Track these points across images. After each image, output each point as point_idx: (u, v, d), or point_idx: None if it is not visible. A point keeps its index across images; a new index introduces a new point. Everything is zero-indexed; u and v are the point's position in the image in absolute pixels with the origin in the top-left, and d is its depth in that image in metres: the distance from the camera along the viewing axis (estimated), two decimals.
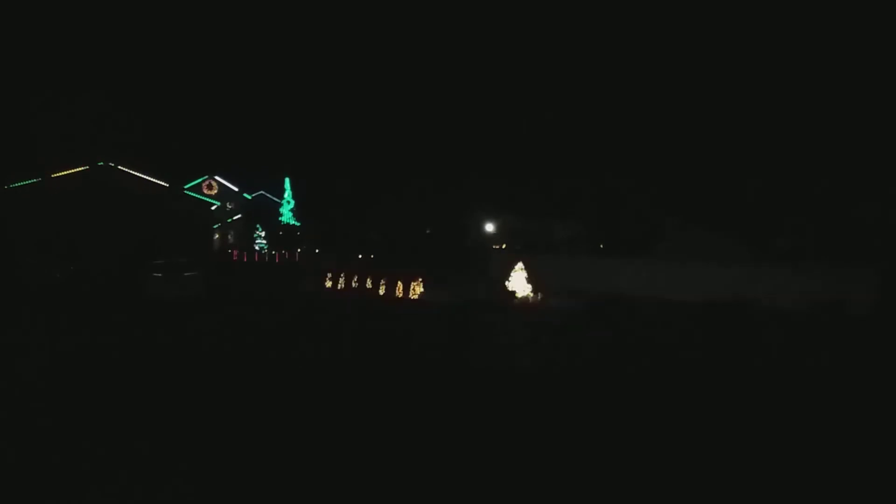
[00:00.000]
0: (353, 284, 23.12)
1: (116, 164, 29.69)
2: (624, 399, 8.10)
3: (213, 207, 34.30)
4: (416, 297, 20.47)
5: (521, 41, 63.70)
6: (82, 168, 29.13)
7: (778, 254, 29.16)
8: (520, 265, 21.01)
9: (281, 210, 56.36)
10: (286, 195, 56.35)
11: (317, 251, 44.27)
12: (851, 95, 33.65)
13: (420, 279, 21.15)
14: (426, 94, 68.40)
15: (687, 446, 6.34)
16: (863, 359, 11.23)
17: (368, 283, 22.85)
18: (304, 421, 6.97)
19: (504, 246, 39.41)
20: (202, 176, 54.97)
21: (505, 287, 20.83)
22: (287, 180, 56.28)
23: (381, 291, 21.72)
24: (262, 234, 51.18)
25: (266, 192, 62.33)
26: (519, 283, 20.75)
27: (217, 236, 45.48)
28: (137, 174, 30.24)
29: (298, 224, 54.25)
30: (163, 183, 31.17)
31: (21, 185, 28.14)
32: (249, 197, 59.94)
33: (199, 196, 35.37)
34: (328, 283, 23.49)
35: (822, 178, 30.51)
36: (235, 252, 43.49)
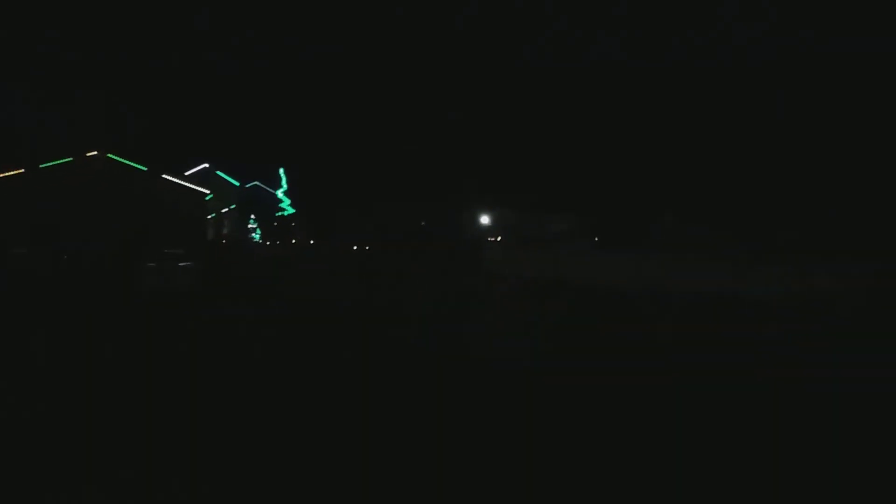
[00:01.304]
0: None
1: (108, 154, 29.45)
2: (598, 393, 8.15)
3: (206, 198, 34.13)
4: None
5: (515, 37, 63.52)
6: (73, 158, 28.87)
7: (772, 248, 29.31)
8: (514, 256, 21.09)
9: (276, 201, 56.06)
10: (281, 186, 56.08)
11: (311, 242, 44.21)
12: (846, 94, 33.76)
13: (415, 270, 21.18)
14: (421, 85, 68.16)
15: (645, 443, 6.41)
16: (848, 355, 11.28)
17: None
18: (298, 408, 7.00)
19: (499, 238, 39.48)
20: (196, 166, 54.53)
21: (499, 278, 20.91)
22: (282, 171, 56.03)
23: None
24: (257, 224, 51.00)
25: (261, 182, 61.97)
26: (513, 274, 20.83)
27: (211, 227, 45.28)
28: (129, 164, 30.02)
29: (293, 214, 54.09)
30: (156, 173, 30.97)
31: (9, 176, 27.85)
32: (244, 187, 59.58)
33: (192, 186, 35.16)
34: None
35: (819, 174, 30.64)
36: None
